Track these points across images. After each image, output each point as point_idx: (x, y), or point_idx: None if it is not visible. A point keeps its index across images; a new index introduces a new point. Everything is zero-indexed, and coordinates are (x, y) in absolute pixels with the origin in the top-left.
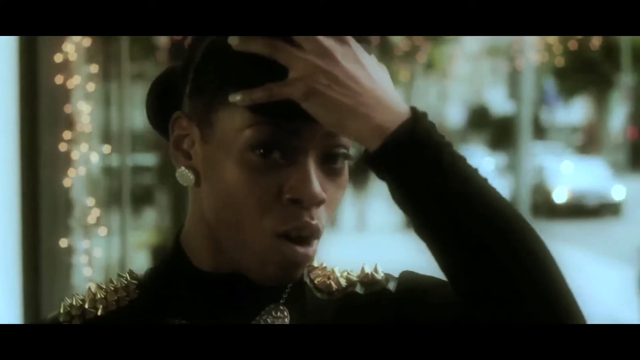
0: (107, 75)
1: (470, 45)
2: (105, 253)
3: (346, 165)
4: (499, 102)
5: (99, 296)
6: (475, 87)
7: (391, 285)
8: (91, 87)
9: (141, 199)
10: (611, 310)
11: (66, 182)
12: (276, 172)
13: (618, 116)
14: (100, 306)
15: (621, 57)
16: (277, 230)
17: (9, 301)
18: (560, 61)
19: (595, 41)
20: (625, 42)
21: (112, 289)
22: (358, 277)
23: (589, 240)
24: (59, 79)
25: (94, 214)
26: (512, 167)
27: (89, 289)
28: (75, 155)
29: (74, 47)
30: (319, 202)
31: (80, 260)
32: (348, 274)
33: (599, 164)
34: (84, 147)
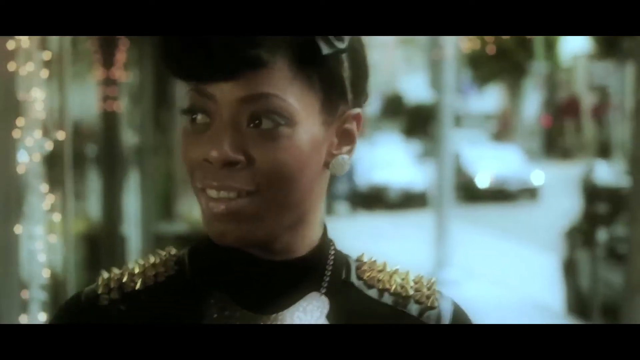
0: (60, 62)
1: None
2: (60, 239)
3: (288, 130)
4: (413, 90)
5: (137, 270)
6: (390, 76)
7: (445, 321)
8: (45, 73)
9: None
10: (534, 295)
11: (20, 169)
12: (202, 136)
13: (532, 104)
14: (139, 280)
15: (534, 45)
16: (201, 185)
17: None
18: (491, 49)
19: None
20: None
21: (151, 264)
22: (413, 289)
23: (510, 226)
24: (11, 66)
25: (48, 200)
26: (429, 154)
27: (127, 265)
28: (29, 141)
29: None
30: (226, 162)
31: (35, 246)
32: (402, 279)
33: (514, 150)
34: (37, 133)
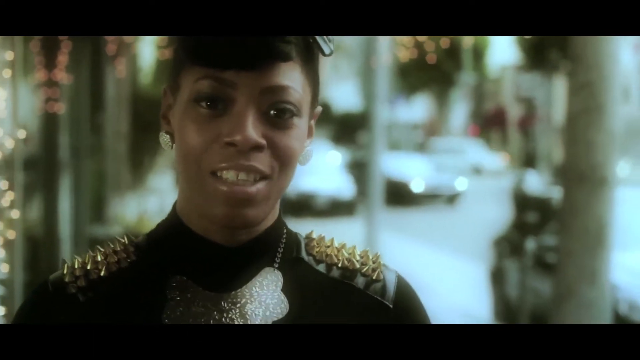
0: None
1: None
2: (18, 234)
3: (297, 121)
4: (342, 99)
5: (99, 258)
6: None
7: (389, 297)
8: (7, 73)
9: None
10: (462, 303)
11: None
12: (217, 121)
13: (459, 114)
14: (103, 267)
15: (462, 55)
16: (211, 169)
17: None
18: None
19: (443, 44)
20: (466, 41)
21: (112, 251)
22: (360, 262)
23: (436, 233)
24: None
25: (8, 197)
26: (357, 162)
27: (89, 252)
28: None
29: None
30: (253, 145)
31: None
32: (349, 254)
33: (426, 160)
34: None
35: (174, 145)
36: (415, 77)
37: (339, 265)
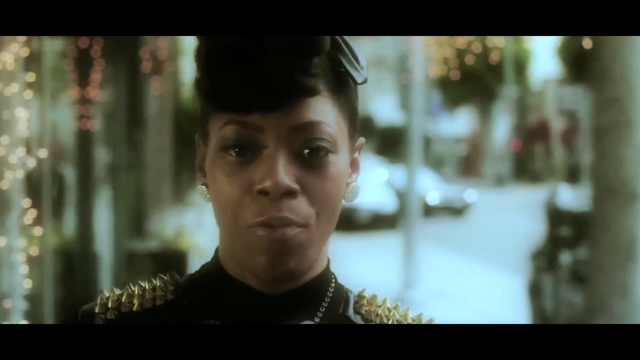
0: (43, 83)
1: None
2: (40, 252)
3: (334, 158)
4: (384, 112)
5: (137, 292)
6: (361, 98)
7: None
8: (28, 94)
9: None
10: (499, 316)
11: (4, 185)
12: (247, 169)
13: (502, 127)
14: (137, 302)
15: (504, 68)
16: (249, 224)
17: None
18: (455, 74)
19: (495, 56)
20: (508, 54)
21: (151, 287)
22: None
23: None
24: None
25: (30, 214)
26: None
27: (129, 285)
28: (12, 159)
29: (12, 56)
30: (285, 191)
31: (17, 258)
32: (401, 316)
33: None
34: (21, 151)
35: (211, 196)
36: (457, 90)
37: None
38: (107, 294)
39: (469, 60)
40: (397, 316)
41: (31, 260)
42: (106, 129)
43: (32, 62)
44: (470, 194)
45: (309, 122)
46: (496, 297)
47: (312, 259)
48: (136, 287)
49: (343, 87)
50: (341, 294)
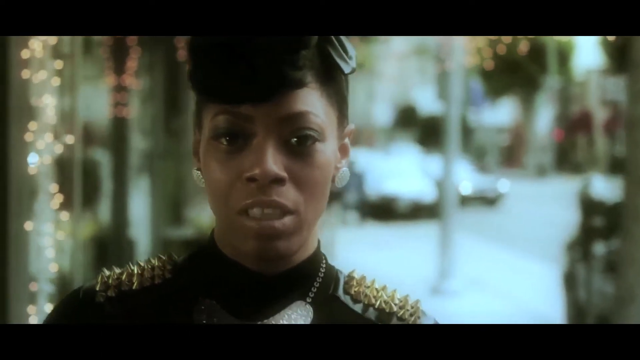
0: (72, 69)
1: (398, 45)
2: (67, 236)
3: (321, 146)
4: (426, 102)
5: (136, 271)
6: (403, 87)
7: None
8: (56, 81)
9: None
10: (534, 306)
11: (32, 170)
12: (238, 157)
13: (544, 118)
14: (136, 281)
15: (547, 59)
16: (238, 208)
17: None
18: (489, 64)
19: (523, 46)
20: (551, 44)
21: (150, 266)
22: (397, 306)
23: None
24: (25, 74)
25: (57, 199)
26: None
27: (128, 264)
28: (40, 144)
29: (40, 44)
30: (273, 178)
31: (44, 242)
32: (388, 297)
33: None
34: (48, 137)
35: (204, 180)
36: (500, 80)
37: (376, 306)
38: (107, 273)
39: (511, 50)
40: (385, 297)
41: (58, 245)
42: (143, 117)
43: (64, 49)
44: (504, 184)
45: (297, 112)
46: (531, 287)
47: (300, 242)
48: (136, 266)
49: (332, 78)
50: (332, 274)
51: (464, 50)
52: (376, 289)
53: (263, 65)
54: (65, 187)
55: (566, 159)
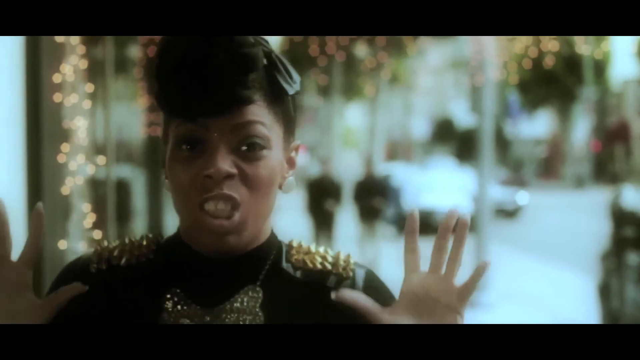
0: (99, 93)
1: (433, 59)
2: None
3: (267, 153)
4: (463, 115)
5: (127, 248)
6: (439, 100)
7: (358, 287)
8: (87, 104)
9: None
10: (569, 317)
11: (65, 190)
12: (197, 160)
13: (581, 129)
14: (125, 257)
15: (583, 70)
16: (198, 202)
17: None
18: (515, 79)
19: (549, 60)
20: (587, 55)
21: (137, 244)
22: (331, 264)
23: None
24: (58, 97)
25: (90, 219)
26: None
27: (124, 239)
28: (73, 165)
29: (71, 68)
30: (225, 174)
31: None
32: (324, 258)
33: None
34: (80, 158)
35: (170, 185)
36: (537, 92)
37: (314, 269)
38: (105, 244)
39: (546, 62)
40: (319, 259)
41: None
42: None
43: (97, 71)
44: (522, 196)
45: (245, 121)
46: (567, 298)
47: (250, 236)
48: (128, 242)
49: (278, 98)
50: (278, 250)
51: (495, 64)
52: (312, 252)
53: (217, 85)
54: (98, 206)
55: (604, 169)
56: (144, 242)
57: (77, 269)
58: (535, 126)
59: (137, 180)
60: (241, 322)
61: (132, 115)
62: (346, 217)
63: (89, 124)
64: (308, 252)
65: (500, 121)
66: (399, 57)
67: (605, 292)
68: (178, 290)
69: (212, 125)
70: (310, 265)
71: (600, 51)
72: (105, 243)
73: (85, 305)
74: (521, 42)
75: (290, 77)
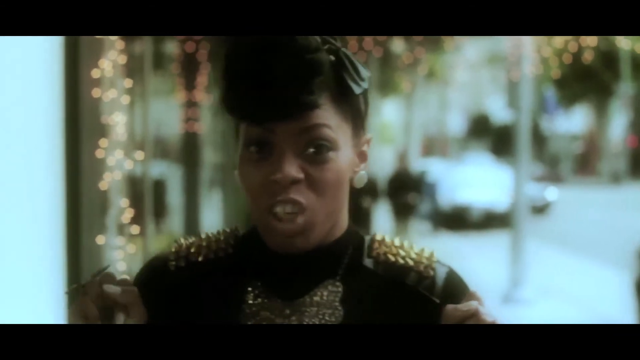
0: (137, 88)
1: (470, 54)
2: (137, 249)
3: (334, 155)
4: (499, 110)
5: (204, 243)
6: (476, 96)
7: (437, 292)
8: (125, 99)
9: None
10: (607, 313)
11: (103, 185)
12: (265, 162)
13: (618, 125)
14: (203, 253)
15: (621, 65)
16: (267, 206)
17: (52, 292)
18: (556, 74)
19: (588, 55)
20: (624, 51)
21: (215, 239)
22: (413, 260)
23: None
24: (96, 93)
25: (128, 214)
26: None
27: (200, 236)
28: (111, 161)
29: (110, 63)
30: (291, 180)
31: (115, 255)
32: (406, 253)
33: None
34: (119, 153)
35: (240, 182)
36: (574, 88)
37: (397, 264)
38: (181, 242)
39: (581, 59)
40: (402, 253)
41: (129, 258)
42: (214, 131)
43: (135, 67)
44: (551, 192)
45: (312, 125)
46: (604, 293)
47: (320, 234)
48: (205, 238)
49: (345, 96)
50: (359, 244)
51: (533, 59)
52: (395, 246)
53: (282, 91)
54: (135, 201)
55: None
56: (221, 237)
57: (157, 268)
58: (572, 122)
59: (174, 176)
60: (320, 316)
61: (170, 111)
62: (381, 213)
63: (127, 119)
64: (391, 247)
65: (537, 117)
66: (436, 52)
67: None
68: (259, 284)
69: (278, 129)
70: (393, 260)
71: (638, 46)
72: (182, 240)
73: (169, 302)
74: (560, 37)
75: (358, 74)
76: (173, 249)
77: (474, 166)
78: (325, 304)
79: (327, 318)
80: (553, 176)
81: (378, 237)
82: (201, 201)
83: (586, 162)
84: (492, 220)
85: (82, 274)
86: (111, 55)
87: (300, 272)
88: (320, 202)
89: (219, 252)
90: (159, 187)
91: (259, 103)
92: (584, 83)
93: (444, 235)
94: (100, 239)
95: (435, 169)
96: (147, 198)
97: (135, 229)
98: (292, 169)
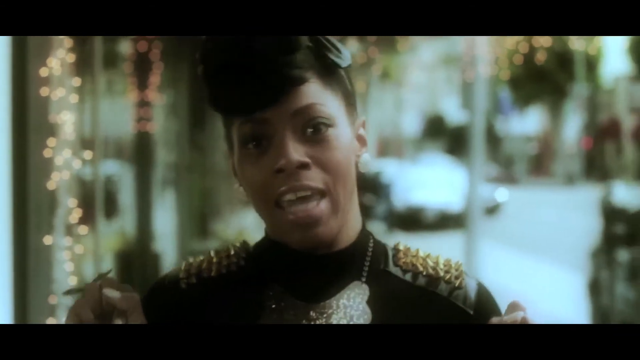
0: (87, 87)
1: (424, 55)
2: (85, 250)
3: (334, 131)
4: (454, 111)
5: (215, 260)
6: (431, 97)
7: (470, 304)
8: (74, 98)
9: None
10: (559, 314)
11: (50, 185)
12: (265, 156)
13: (572, 126)
14: (214, 268)
15: (575, 67)
16: (275, 198)
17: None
18: (506, 75)
19: (540, 55)
20: (578, 52)
21: (225, 254)
22: (443, 271)
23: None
24: (44, 91)
25: (76, 214)
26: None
27: (209, 252)
28: (59, 160)
29: (58, 62)
30: (297, 164)
31: (62, 256)
32: (433, 263)
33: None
34: (67, 153)
35: (244, 189)
36: (528, 89)
37: (424, 273)
38: (191, 261)
39: (537, 59)
40: (430, 263)
41: (77, 258)
42: (166, 131)
43: (85, 66)
44: (501, 193)
45: (305, 105)
46: (557, 294)
47: (339, 225)
48: (214, 254)
49: (331, 72)
50: (380, 250)
51: (487, 60)
52: (421, 256)
53: (264, 71)
54: (85, 201)
55: (594, 166)
56: (232, 252)
57: (167, 287)
58: (526, 123)
59: (125, 177)
60: (348, 317)
61: (122, 111)
62: None
63: (77, 118)
64: (418, 256)
65: (492, 118)
66: (390, 53)
67: (595, 288)
68: (279, 287)
69: (271, 118)
70: (421, 269)
71: (592, 47)
72: (191, 259)
73: (184, 319)
74: (512, 38)
75: (338, 50)
76: (183, 267)
77: (429, 167)
78: (352, 306)
79: (355, 320)
80: (507, 177)
81: (401, 246)
82: (154, 201)
83: (540, 163)
84: (447, 221)
85: (29, 274)
86: (60, 54)
87: (322, 274)
88: (338, 184)
89: (231, 266)
90: (110, 186)
91: (246, 92)
92: (539, 84)
93: (398, 235)
94: (47, 239)
95: (389, 170)
96: (97, 198)
97: (83, 229)
98: (295, 153)
